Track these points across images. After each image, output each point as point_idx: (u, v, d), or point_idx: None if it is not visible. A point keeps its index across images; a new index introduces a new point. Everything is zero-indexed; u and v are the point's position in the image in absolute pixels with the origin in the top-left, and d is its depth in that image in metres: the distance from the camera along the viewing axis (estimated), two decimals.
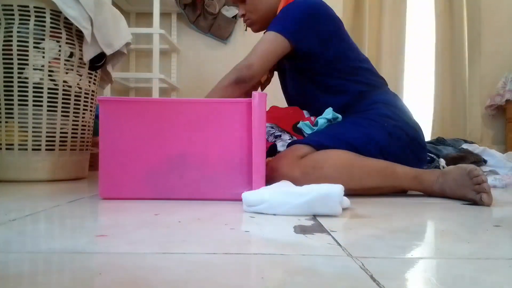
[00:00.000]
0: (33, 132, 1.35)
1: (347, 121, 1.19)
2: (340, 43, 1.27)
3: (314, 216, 0.77)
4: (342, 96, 1.25)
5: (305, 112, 1.30)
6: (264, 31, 1.31)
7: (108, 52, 1.45)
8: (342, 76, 1.26)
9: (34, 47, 1.33)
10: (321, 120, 1.21)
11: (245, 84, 1.18)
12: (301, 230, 0.65)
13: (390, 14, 2.87)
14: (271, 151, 1.21)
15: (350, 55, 1.28)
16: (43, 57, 1.35)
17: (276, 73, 1.48)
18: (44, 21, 1.33)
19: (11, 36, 1.31)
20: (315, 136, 1.15)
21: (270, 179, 1.02)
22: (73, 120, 1.44)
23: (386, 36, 2.85)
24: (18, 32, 1.31)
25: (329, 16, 1.26)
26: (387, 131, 1.15)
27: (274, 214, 0.78)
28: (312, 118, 1.27)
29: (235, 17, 2.72)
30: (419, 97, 2.91)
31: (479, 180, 0.96)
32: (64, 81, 1.40)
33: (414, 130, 1.21)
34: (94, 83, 1.54)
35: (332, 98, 1.26)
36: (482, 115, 2.77)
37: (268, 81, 1.46)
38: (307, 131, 1.23)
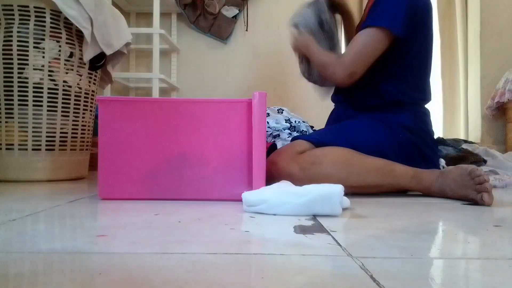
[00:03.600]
0: (33, 132, 1.35)
1: (362, 120, 1.16)
2: (427, 33, 1.19)
3: (314, 216, 0.77)
4: (393, 93, 1.18)
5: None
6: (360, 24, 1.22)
7: (108, 52, 1.45)
8: (410, 73, 1.19)
9: (34, 47, 1.33)
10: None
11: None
12: (301, 230, 0.65)
13: None
14: (271, 151, 1.21)
15: (427, 51, 1.21)
16: (43, 57, 1.35)
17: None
18: (44, 21, 1.33)
19: (11, 36, 1.31)
20: (316, 134, 1.16)
21: (268, 173, 1.02)
22: (73, 120, 1.44)
23: None
24: (18, 32, 1.31)
25: (427, 4, 1.18)
26: (399, 144, 1.12)
27: (274, 214, 0.78)
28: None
29: (235, 17, 2.71)
30: None
31: (481, 180, 0.96)
32: (64, 81, 1.40)
33: (429, 150, 1.18)
34: (94, 83, 1.54)
35: (387, 92, 1.18)
36: (482, 115, 2.77)
37: None
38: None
